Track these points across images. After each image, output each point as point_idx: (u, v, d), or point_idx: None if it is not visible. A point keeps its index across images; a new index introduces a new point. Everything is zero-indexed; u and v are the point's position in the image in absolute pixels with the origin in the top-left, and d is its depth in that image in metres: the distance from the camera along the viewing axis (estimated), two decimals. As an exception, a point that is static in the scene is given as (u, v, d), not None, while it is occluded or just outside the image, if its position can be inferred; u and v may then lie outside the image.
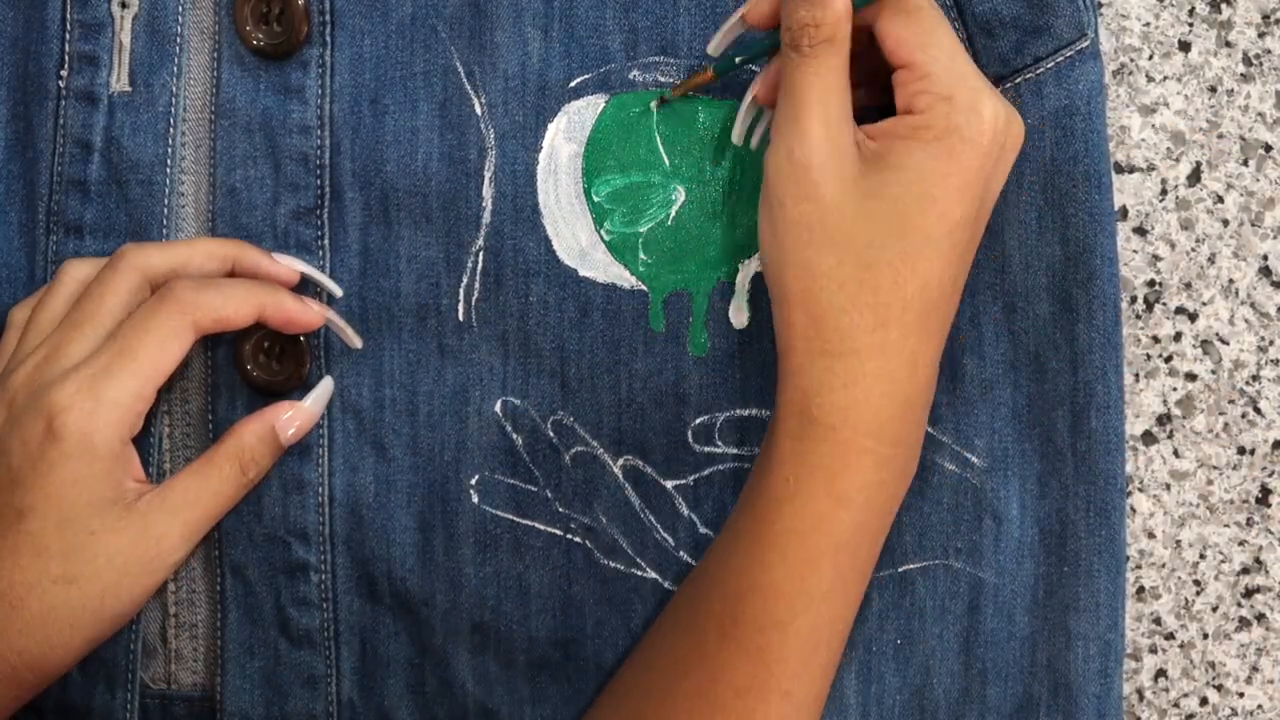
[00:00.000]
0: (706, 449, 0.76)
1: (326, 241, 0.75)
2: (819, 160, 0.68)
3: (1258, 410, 0.80)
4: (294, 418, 0.75)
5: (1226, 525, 0.80)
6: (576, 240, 0.75)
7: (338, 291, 0.75)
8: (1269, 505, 0.80)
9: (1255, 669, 0.80)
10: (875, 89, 0.72)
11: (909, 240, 0.68)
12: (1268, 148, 0.79)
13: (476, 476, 0.76)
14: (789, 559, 0.69)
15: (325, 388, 0.75)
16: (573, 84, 0.75)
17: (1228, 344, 0.80)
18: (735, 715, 0.69)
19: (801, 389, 0.69)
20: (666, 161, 0.75)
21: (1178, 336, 0.79)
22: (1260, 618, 0.80)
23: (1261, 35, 0.79)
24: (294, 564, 0.76)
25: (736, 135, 0.75)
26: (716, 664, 0.69)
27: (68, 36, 0.75)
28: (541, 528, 0.76)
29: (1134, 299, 0.79)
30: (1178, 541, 0.80)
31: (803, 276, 0.69)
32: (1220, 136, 0.79)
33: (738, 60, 0.73)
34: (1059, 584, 0.76)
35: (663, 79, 0.75)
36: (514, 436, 0.76)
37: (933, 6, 0.70)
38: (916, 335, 0.69)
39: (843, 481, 0.68)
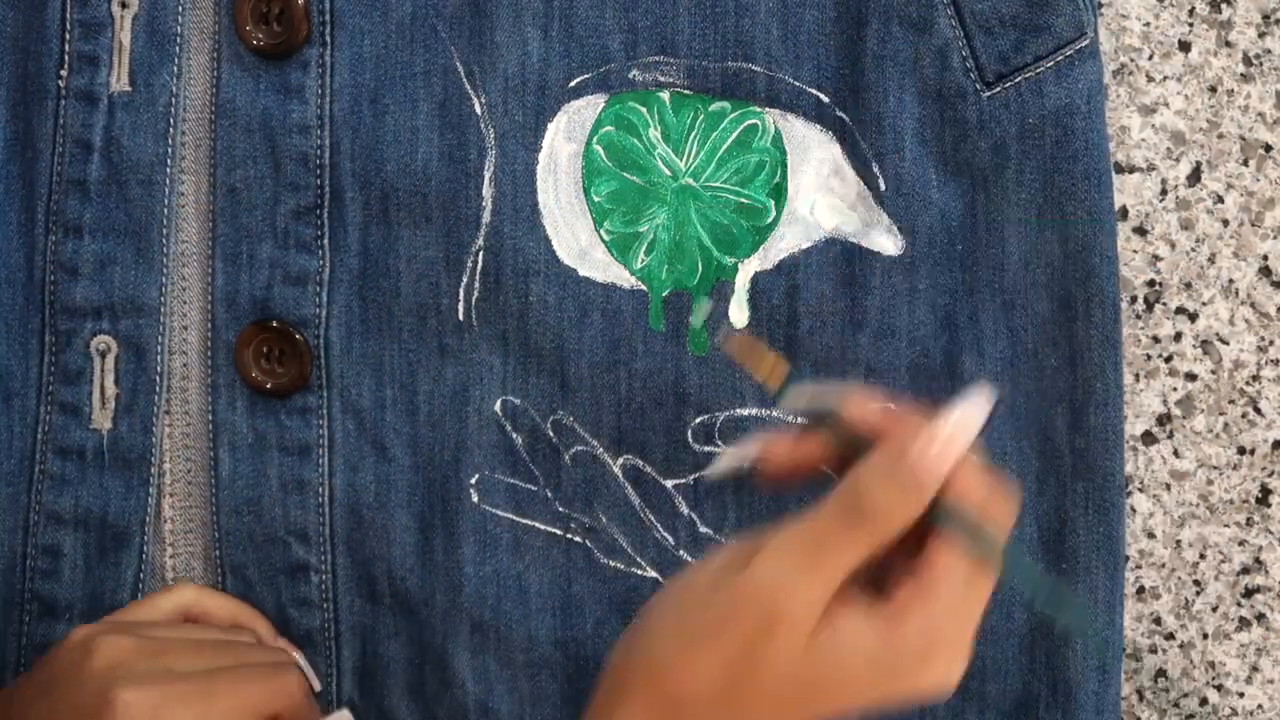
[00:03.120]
0: (706, 448, 0.76)
1: (326, 241, 0.75)
2: None
3: (1258, 410, 0.80)
4: None
5: (1226, 525, 0.80)
6: (576, 240, 0.75)
7: (317, 685, 0.75)
8: (1269, 505, 0.80)
9: (1255, 669, 0.80)
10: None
11: None
12: (1268, 148, 0.79)
13: (476, 476, 0.76)
14: None
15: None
16: (572, 84, 0.75)
17: (1228, 344, 0.80)
18: None
19: None
20: (666, 161, 0.75)
21: (1178, 336, 0.79)
22: (1260, 618, 0.80)
23: (1261, 35, 0.79)
24: (294, 564, 0.76)
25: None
26: None
27: (68, 36, 0.75)
28: (541, 527, 0.76)
29: (1134, 299, 0.79)
30: (1178, 541, 0.80)
31: None
32: (1220, 136, 0.79)
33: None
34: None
35: (662, 79, 0.75)
36: (514, 436, 0.76)
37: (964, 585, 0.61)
38: None
39: None
